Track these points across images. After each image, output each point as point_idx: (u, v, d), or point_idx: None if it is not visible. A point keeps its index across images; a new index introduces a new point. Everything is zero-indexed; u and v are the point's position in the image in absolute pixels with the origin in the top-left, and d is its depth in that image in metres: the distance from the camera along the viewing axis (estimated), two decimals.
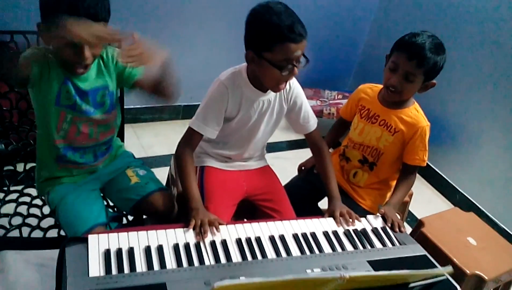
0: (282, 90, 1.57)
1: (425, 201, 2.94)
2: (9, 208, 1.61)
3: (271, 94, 1.57)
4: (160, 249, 1.20)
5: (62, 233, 1.56)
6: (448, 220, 1.96)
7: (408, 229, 2.10)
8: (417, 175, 3.11)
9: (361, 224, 1.50)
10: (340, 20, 3.53)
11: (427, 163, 3.06)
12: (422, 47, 1.56)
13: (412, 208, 2.68)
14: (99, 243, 1.17)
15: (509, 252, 1.86)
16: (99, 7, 1.21)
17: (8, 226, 1.53)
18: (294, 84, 1.63)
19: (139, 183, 1.59)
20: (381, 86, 1.78)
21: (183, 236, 1.27)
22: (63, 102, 1.39)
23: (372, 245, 1.41)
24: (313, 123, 1.70)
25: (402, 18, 3.34)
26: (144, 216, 1.64)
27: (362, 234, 1.45)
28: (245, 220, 1.62)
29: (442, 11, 2.99)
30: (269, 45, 1.36)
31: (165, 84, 1.46)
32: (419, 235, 1.84)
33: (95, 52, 1.30)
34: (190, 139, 1.54)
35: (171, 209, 1.57)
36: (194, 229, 1.30)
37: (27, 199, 1.68)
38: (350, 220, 1.49)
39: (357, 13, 3.57)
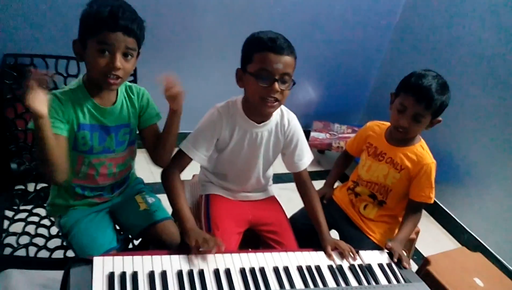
0: (279, 125, 1.59)
1: (432, 239, 2.90)
2: (17, 227, 1.63)
3: (266, 127, 1.58)
4: (163, 274, 1.21)
5: (68, 254, 1.56)
6: (455, 260, 1.94)
7: (415, 267, 2.08)
8: (425, 213, 3.13)
9: (367, 258, 1.49)
10: (352, 56, 3.58)
11: (435, 201, 3.06)
12: (429, 89, 1.58)
13: (419, 246, 2.66)
14: (103, 266, 1.18)
15: None
16: (134, 24, 1.29)
17: (15, 245, 1.54)
18: (292, 121, 1.63)
19: (148, 210, 1.59)
20: (388, 123, 1.80)
21: (187, 263, 1.27)
22: (80, 148, 1.41)
23: (376, 281, 1.40)
24: (305, 161, 1.69)
25: (412, 57, 3.38)
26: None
27: (367, 270, 1.44)
28: (250, 250, 1.62)
29: (452, 51, 3.02)
30: (251, 56, 1.40)
31: (162, 147, 1.49)
32: (425, 273, 1.82)
33: (126, 67, 1.32)
34: (179, 161, 1.54)
35: (177, 239, 1.54)
36: (192, 251, 1.29)
37: (36, 219, 1.69)
38: (351, 255, 1.48)
39: (368, 50, 3.62)
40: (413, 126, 1.65)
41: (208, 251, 1.30)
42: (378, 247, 1.69)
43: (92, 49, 1.27)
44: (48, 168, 1.26)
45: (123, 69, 1.31)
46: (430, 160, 1.72)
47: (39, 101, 1.13)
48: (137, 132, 1.55)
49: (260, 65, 1.38)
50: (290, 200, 1.89)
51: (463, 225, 2.95)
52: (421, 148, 1.74)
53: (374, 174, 1.81)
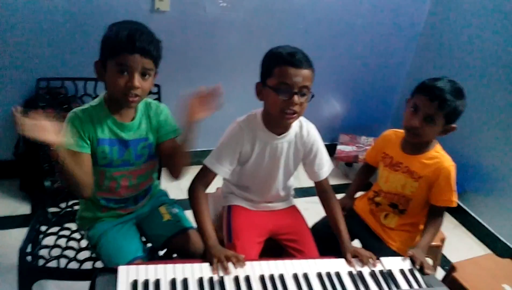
0: (298, 136, 1.62)
1: (464, 248, 2.83)
2: (49, 240, 1.72)
3: (285, 138, 1.61)
4: (185, 282, 1.25)
5: (97, 265, 1.63)
6: (483, 266, 1.90)
7: (443, 275, 2.05)
8: (456, 222, 3.06)
9: (388, 265, 1.49)
10: (376, 68, 3.58)
11: (465, 210, 3.00)
12: (443, 90, 1.59)
13: (450, 255, 2.61)
14: (128, 274, 1.23)
15: None
16: (151, 46, 1.37)
17: (47, 257, 1.62)
18: (311, 131, 1.66)
19: (171, 220, 1.66)
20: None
21: (208, 271, 1.31)
22: (101, 162, 1.49)
23: (397, 286, 1.40)
24: (325, 171, 1.71)
25: (438, 65, 3.36)
26: (174, 255, 1.69)
27: (388, 275, 1.44)
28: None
29: (479, 59, 2.98)
30: (271, 70, 1.45)
31: (177, 160, 1.53)
32: (450, 280, 1.79)
33: (144, 86, 1.40)
34: (204, 176, 1.59)
35: (200, 248, 1.58)
36: (212, 267, 1.33)
37: (67, 232, 1.78)
38: (371, 261, 1.48)
39: (393, 61, 3.61)
40: (425, 127, 1.64)
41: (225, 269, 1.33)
42: (398, 256, 1.68)
43: (112, 70, 1.36)
44: (73, 186, 1.38)
45: (141, 88, 1.38)
46: (447, 163, 1.71)
47: (46, 131, 1.20)
48: None
49: (280, 79, 1.43)
50: (318, 214, 1.90)
51: (494, 232, 2.87)
52: (436, 153, 1.73)
53: (392, 185, 1.80)
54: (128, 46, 1.33)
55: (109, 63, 1.36)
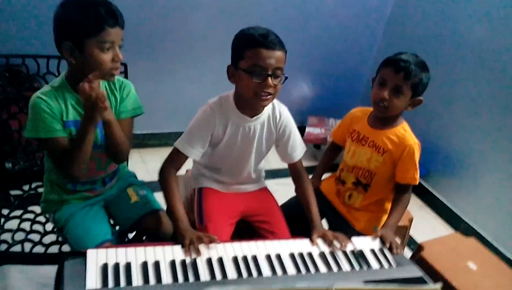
0: (271, 118, 1.61)
1: (429, 228, 2.92)
2: (12, 224, 1.66)
3: (258, 121, 1.60)
4: (156, 265, 1.22)
5: (64, 249, 1.59)
6: (448, 245, 1.96)
7: (410, 255, 2.10)
8: (421, 203, 3.14)
9: (359, 244, 1.50)
10: (344, 50, 3.61)
11: (430, 191, 3.08)
12: (407, 61, 1.64)
13: (416, 235, 2.68)
14: (97, 258, 1.20)
15: (509, 278, 1.85)
16: (122, 16, 1.34)
17: (10, 241, 1.56)
18: (284, 113, 1.65)
19: (138, 202, 1.63)
20: (371, 108, 1.82)
21: (180, 253, 1.29)
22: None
23: (369, 265, 1.42)
24: (299, 153, 1.71)
25: (405, 49, 3.38)
26: (144, 237, 1.66)
27: (360, 255, 1.46)
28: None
29: (445, 43, 3.04)
30: (243, 52, 1.42)
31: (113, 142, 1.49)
32: (418, 259, 1.83)
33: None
34: (175, 159, 1.55)
35: (170, 230, 1.57)
36: (184, 249, 1.30)
37: (31, 215, 1.72)
38: (337, 243, 1.46)
39: (361, 43, 3.64)
40: (393, 99, 1.66)
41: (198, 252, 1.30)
42: (362, 235, 1.70)
43: (93, 49, 1.30)
44: (80, 165, 1.39)
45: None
46: (412, 141, 1.73)
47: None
48: None
49: (253, 61, 1.40)
50: (287, 195, 1.91)
51: (457, 213, 2.97)
52: (403, 130, 1.76)
53: (358, 159, 1.82)
54: (110, 21, 1.29)
55: (88, 43, 1.29)
